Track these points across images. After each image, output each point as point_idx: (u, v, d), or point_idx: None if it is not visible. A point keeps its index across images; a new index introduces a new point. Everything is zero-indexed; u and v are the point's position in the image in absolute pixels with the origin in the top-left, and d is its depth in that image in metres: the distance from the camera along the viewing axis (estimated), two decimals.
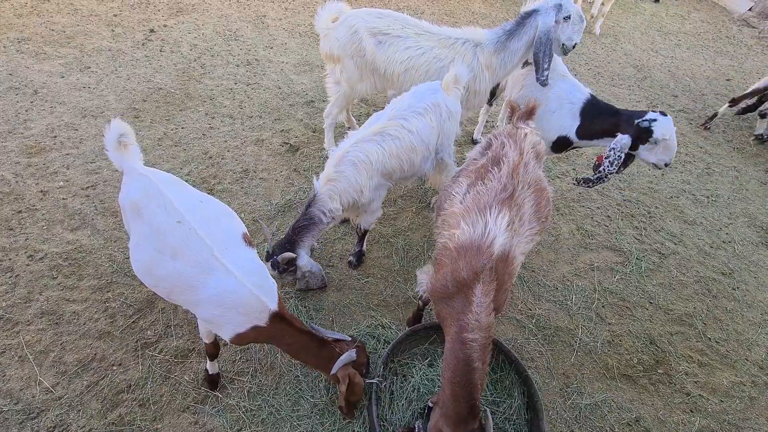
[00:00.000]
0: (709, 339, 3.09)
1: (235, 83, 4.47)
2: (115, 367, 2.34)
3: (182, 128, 3.84)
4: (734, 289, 3.48)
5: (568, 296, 3.16)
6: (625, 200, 4.11)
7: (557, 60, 3.14)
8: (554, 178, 4.19)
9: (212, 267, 1.74)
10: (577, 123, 2.93)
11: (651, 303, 3.25)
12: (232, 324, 1.83)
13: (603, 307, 3.15)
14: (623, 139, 2.63)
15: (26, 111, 3.66)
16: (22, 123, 3.55)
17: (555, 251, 3.48)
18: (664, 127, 2.61)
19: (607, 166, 2.65)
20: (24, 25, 4.57)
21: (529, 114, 2.34)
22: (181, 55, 4.68)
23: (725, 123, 5.62)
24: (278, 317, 1.87)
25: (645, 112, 2.74)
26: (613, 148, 2.64)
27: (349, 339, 2.13)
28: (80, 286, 2.63)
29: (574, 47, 2.99)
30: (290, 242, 2.40)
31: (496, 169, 1.96)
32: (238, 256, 1.83)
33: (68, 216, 2.98)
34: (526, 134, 2.13)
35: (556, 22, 2.81)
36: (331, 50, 3.14)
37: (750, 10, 9.11)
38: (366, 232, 2.90)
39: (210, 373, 2.29)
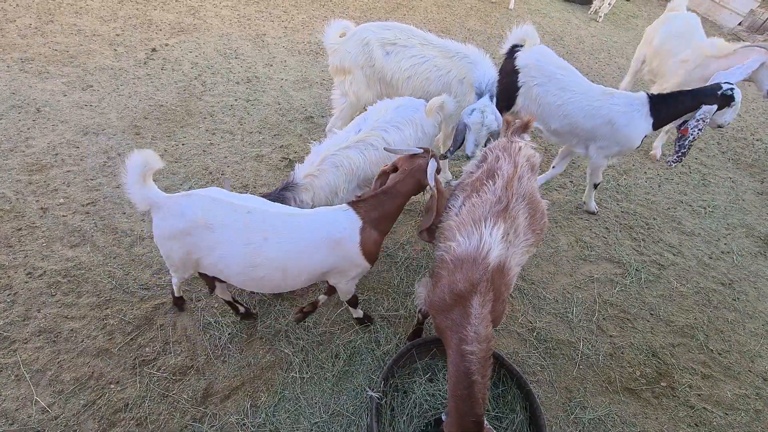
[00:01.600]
0: (712, 351, 3.07)
1: (235, 100, 4.54)
2: (112, 386, 2.31)
3: (183, 144, 3.88)
4: (735, 300, 3.47)
5: (569, 308, 3.15)
6: (623, 212, 4.13)
7: (580, 77, 3.37)
8: (552, 190, 4.22)
9: (295, 223, 1.96)
10: (651, 121, 3.21)
11: (652, 314, 3.23)
12: (350, 244, 2.02)
13: (604, 319, 3.14)
14: (712, 109, 3.03)
15: (28, 129, 3.71)
16: (24, 141, 3.59)
17: (554, 263, 3.48)
18: (738, 93, 3.08)
19: (696, 133, 3.10)
20: (28, 46, 4.66)
21: (524, 128, 2.38)
22: (182, 73, 4.76)
23: (719, 134, 5.68)
24: (356, 204, 2.08)
25: (717, 84, 3.12)
26: (702, 118, 3.05)
27: (420, 150, 2.18)
28: (79, 303, 2.63)
29: (468, 157, 2.99)
30: None
31: (490, 182, 1.99)
32: (298, 208, 2.12)
33: (68, 233, 2.99)
34: (520, 148, 2.16)
35: (466, 122, 2.90)
36: (342, 63, 3.26)
37: (740, 24, 9.31)
38: None
39: (363, 315, 2.69)
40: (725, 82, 3.11)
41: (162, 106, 4.26)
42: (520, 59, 3.42)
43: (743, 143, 5.58)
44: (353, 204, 2.08)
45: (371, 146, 2.55)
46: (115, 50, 4.89)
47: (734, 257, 3.87)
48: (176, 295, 2.59)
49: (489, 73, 3.02)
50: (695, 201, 4.46)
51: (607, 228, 3.91)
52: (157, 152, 3.72)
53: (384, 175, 2.20)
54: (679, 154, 3.24)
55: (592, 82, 3.41)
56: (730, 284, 3.60)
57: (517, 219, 1.91)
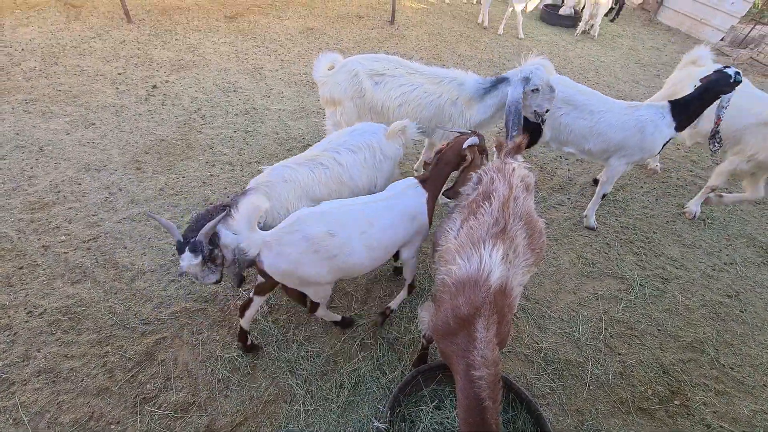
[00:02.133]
0: (723, 365, 3.01)
1: (234, 131, 4.63)
2: (113, 426, 2.26)
3: (183, 177, 3.93)
4: (742, 311, 3.43)
5: (575, 327, 3.11)
6: (622, 227, 4.14)
7: (602, 96, 3.55)
8: (549, 208, 4.24)
9: (388, 205, 2.30)
10: (674, 125, 3.41)
11: (659, 330, 3.19)
12: (423, 214, 2.41)
13: (611, 336, 3.09)
14: (731, 95, 3.27)
15: (31, 168, 3.77)
16: (27, 180, 3.64)
17: (557, 281, 3.46)
18: (740, 73, 3.27)
19: (723, 115, 3.34)
20: (32, 87, 4.80)
21: (517, 149, 2.42)
22: (182, 107, 4.88)
23: None
24: (423, 182, 2.47)
25: (722, 73, 3.25)
26: (726, 106, 3.31)
27: (470, 132, 2.61)
28: (79, 341, 2.60)
29: (546, 112, 3.22)
30: (208, 218, 2.29)
31: (487, 203, 2.00)
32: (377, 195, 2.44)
33: (69, 269, 2.99)
34: (514, 169, 2.19)
35: (524, 92, 3.06)
36: (332, 95, 3.34)
37: (722, 40, 9.60)
38: None
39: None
40: (725, 66, 3.28)
41: (163, 140, 4.34)
42: None
43: None
44: (419, 179, 2.47)
45: (321, 165, 2.56)
46: (117, 88, 5.03)
47: (737, 268, 3.85)
48: (248, 344, 2.64)
49: (477, 77, 3.25)
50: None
51: (607, 243, 3.91)
52: (157, 186, 3.81)
53: (438, 152, 2.59)
54: (718, 138, 3.45)
55: None
56: (735, 296, 3.56)
57: (516, 239, 1.92)
